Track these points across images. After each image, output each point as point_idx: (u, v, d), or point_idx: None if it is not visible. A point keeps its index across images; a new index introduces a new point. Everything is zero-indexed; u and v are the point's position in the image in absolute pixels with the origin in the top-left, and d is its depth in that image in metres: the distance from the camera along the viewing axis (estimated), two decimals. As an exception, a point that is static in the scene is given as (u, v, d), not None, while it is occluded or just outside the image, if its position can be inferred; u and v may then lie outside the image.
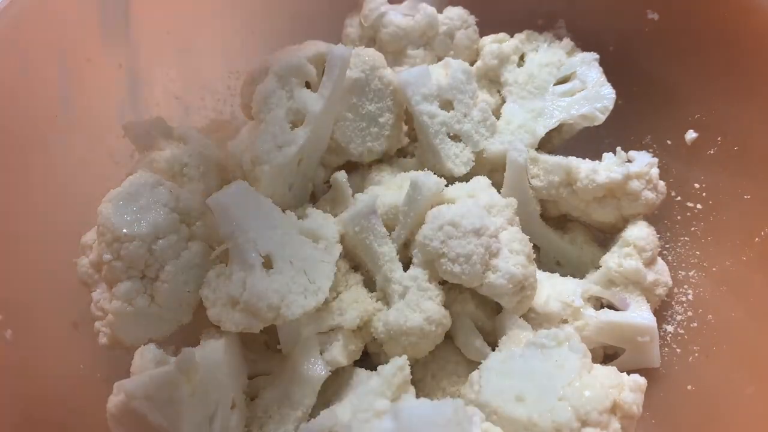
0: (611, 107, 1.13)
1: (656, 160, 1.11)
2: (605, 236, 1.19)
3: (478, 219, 0.96)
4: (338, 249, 0.97)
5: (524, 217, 1.10)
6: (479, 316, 1.04)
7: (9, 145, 1.04)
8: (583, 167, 1.10)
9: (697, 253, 1.12)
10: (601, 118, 1.13)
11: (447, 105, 1.13)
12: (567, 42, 1.23)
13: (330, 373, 0.94)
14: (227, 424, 0.87)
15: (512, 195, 1.07)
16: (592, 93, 1.15)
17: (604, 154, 1.13)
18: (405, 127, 1.20)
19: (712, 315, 1.06)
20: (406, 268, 1.00)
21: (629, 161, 1.12)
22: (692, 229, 1.14)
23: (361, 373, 0.98)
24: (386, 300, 1.00)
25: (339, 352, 0.95)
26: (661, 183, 1.12)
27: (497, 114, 1.21)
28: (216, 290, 0.88)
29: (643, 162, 1.10)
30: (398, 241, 1.03)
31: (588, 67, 1.18)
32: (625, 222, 1.13)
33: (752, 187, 1.06)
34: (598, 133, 1.21)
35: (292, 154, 1.00)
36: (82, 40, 1.16)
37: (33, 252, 1.03)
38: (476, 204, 0.99)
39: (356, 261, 1.04)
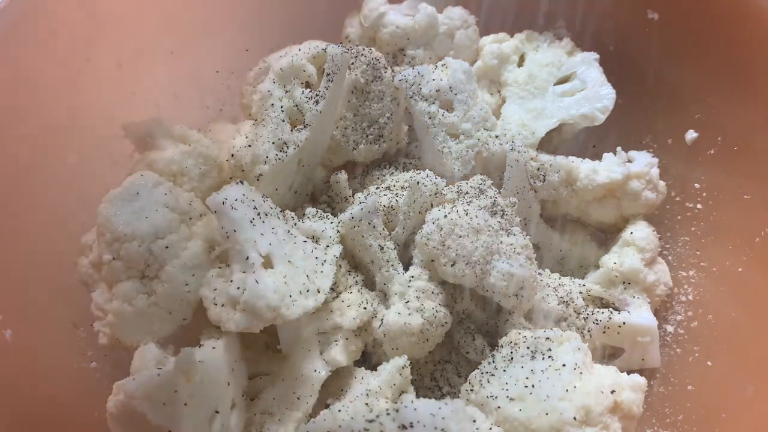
0: (611, 107, 1.13)
1: (656, 160, 1.11)
2: (605, 236, 1.19)
3: (477, 219, 0.96)
4: (338, 249, 0.97)
5: (524, 217, 1.10)
6: (479, 316, 1.04)
7: (9, 144, 1.04)
8: (583, 167, 1.10)
9: (697, 253, 1.12)
10: (601, 118, 1.13)
11: (447, 105, 1.13)
12: (567, 42, 1.23)
13: (330, 373, 0.94)
14: (227, 424, 0.87)
15: (512, 195, 1.07)
16: (592, 93, 1.15)
17: (604, 154, 1.13)
18: (405, 127, 1.20)
19: (712, 315, 1.06)
20: (406, 268, 1.00)
21: (629, 161, 1.12)
22: (692, 229, 1.14)
23: (361, 373, 0.98)
24: (386, 300, 1.00)
25: (339, 352, 0.95)
26: (661, 183, 1.12)
27: (497, 114, 1.21)
28: (216, 290, 0.88)
29: (643, 162, 1.10)
30: (398, 241, 1.03)
31: (588, 67, 1.18)
32: (625, 222, 1.13)
33: (752, 187, 1.06)
34: (598, 133, 1.21)
35: (292, 154, 1.00)
36: (82, 40, 1.16)
37: (33, 252, 1.03)
38: (476, 204, 0.99)
39: (356, 261, 1.04)
